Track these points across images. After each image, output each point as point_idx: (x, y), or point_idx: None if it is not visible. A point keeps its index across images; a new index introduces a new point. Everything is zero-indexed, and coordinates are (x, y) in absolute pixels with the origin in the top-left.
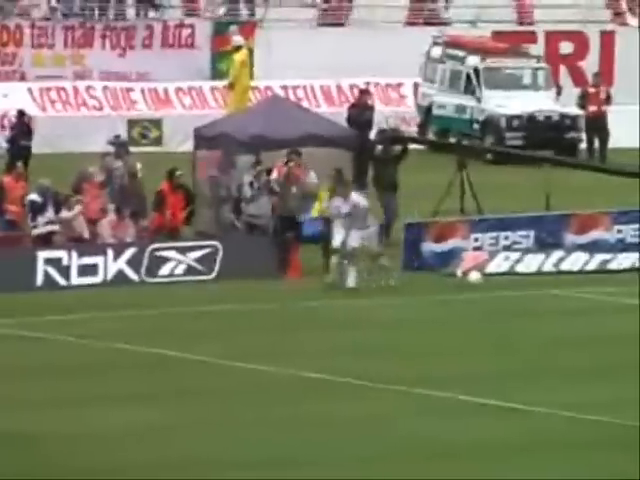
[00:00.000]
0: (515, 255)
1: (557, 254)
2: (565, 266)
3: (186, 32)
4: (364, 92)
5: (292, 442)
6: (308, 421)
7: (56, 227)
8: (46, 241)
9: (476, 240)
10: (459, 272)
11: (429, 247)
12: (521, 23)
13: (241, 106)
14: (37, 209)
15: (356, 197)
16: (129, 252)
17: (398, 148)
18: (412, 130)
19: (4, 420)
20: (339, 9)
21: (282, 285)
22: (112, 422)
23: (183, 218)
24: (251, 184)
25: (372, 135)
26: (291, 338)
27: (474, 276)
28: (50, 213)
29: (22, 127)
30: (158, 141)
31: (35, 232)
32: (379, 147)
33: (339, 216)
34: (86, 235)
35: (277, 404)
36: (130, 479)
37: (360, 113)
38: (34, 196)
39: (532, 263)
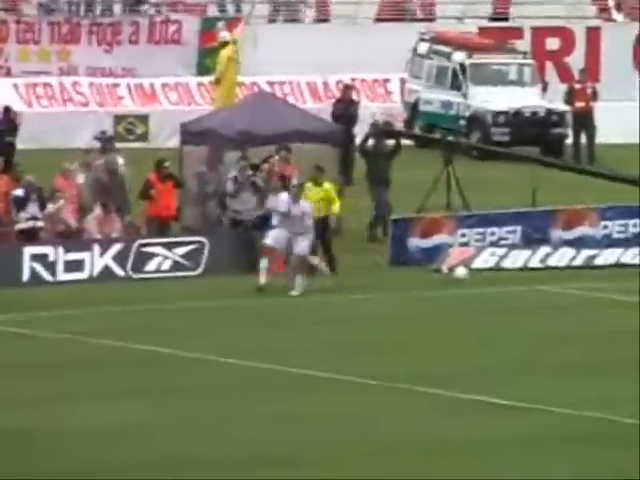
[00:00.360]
0: (501, 251)
1: (544, 250)
2: (552, 262)
3: (173, 28)
4: (349, 87)
5: (283, 440)
6: (299, 418)
7: (39, 223)
8: (30, 237)
9: (462, 236)
10: (445, 268)
11: (415, 242)
12: (497, 19)
13: (228, 102)
14: (20, 204)
15: (305, 204)
16: (115, 248)
17: (391, 143)
18: (399, 126)
19: None
20: (324, 5)
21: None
22: (102, 419)
23: (175, 207)
24: (235, 179)
25: (357, 130)
26: (278, 334)
27: (460, 272)
28: (33, 209)
29: (7, 123)
30: (144, 137)
31: (18, 227)
32: (371, 141)
33: (284, 214)
34: (74, 225)
35: (267, 401)
36: (123, 478)
37: (345, 108)
38: (18, 191)
39: (518, 259)
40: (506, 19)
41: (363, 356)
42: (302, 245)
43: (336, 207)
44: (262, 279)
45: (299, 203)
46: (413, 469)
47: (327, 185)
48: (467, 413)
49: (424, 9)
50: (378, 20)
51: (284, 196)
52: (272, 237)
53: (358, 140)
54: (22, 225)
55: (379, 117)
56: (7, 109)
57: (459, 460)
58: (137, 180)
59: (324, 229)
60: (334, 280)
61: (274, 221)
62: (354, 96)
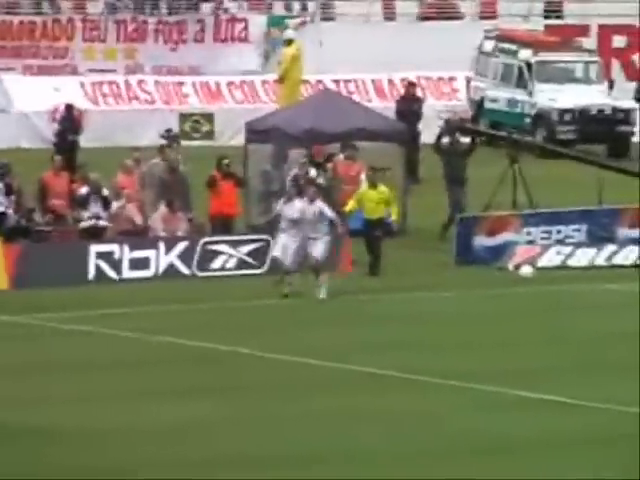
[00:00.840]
0: (567, 249)
1: (609, 248)
2: (617, 260)
3: (239, 26)
4: (412, 84)
5: (342, 437)
6: (359, 415)
7: (102, 222)
8: (93, 235)
9: (528, 234)
10: (511, 266)
11: (481, 241)
12: (548, 16)
13: (292, 100)
14: (83, 203)
15: (322, 205)
16: (181, 246)
17: (466, 141)
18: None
19: (58, 415)
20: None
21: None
22: (163, 417)
23: (236, 205)
24: (296, 178)
25: (421, 127)
26: (342, 332)
27: (526, 270)
28: (96, 207)
29: (70, 121)
30: (210, 135)
31: (81, 226)
32: (446, 139)
33: (296, 221)
34: (139, 222)
35: (327, 398)
36: (181, 478)
37: (408, 105)
38: (83, 190)
39: (584, 257)
40: (561, 17)
41: (427, 354)
42: (318, 249)
43: (395, 213)
44: (284, 289)
45: (315, 204)
46: (474, 468)
47: (383, 188)
48: (532, 411)
49: (487, 7)
50: (443, 18)
51: (297, 202)
52: (280, 247)
53: (423, 138)
54: (85, 224)
55: (447, 115)
56: (69, 107)
57: (524, 459)
58: (202, 178)
59: (375, 230)
60: (377, 281)
61: (282, 226)
62: (418, 93)
